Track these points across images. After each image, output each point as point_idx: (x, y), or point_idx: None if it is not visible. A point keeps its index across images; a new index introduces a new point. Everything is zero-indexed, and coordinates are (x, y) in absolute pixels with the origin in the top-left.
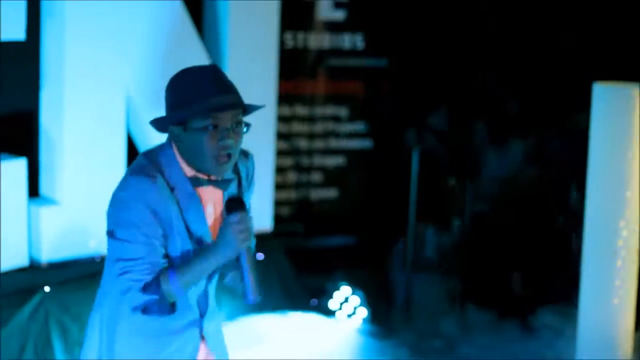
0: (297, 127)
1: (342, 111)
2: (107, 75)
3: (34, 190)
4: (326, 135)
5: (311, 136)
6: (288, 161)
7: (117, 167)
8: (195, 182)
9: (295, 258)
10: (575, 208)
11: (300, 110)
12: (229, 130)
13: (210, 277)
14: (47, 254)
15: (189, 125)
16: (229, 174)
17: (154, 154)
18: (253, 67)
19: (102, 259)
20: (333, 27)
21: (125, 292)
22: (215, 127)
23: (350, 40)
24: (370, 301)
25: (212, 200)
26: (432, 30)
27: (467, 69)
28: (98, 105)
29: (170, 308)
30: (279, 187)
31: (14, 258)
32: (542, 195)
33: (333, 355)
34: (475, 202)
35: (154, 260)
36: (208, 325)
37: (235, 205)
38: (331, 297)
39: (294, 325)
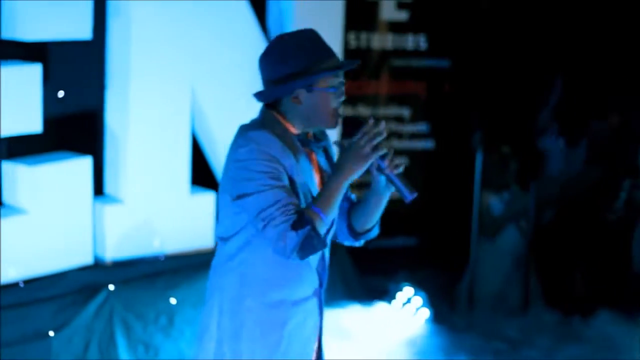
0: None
1: (405, 112)
2: (172, 74)
3: (98, 189)
4: (388, 135)
5: None
6: None
7: (181, 166)
8: (301, 142)
9: (357, 259)
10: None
11: (363, 110)
12: (343, 89)
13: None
14: (112, 253)
15: (315, 85)
16: (322, 140)
17: (259, 120)
18: None
19: (166, 257)
20: (396, 27)
21: (277, 240)
22: (335, 86)
23: (414, 41)
24: (432, 302)
25: (313, 160)
26: (494, 31)
27: (529, 70)
28: (163, 104)
29: (325, 240)
30: None
31: (79, 256)
32: (604, 195)
33: (396, 355)
34: (539, 203)
35: (292, 201)
36: (323, 298)
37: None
38: (394, 298)
39: (359, 321)
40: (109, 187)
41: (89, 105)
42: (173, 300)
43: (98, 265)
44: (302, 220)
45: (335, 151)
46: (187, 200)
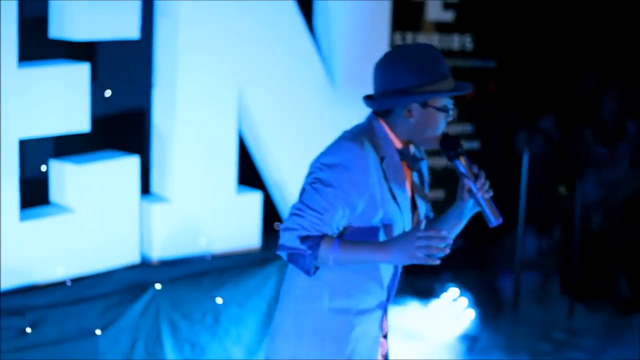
0: None
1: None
2: (219, 73)
3: (145, 188)
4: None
5: None
6: None
7: (228, 166)
8: (402, 156)
9: None
10: None
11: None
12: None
13: None
14: (158, 252)
15: (430, 103)
16: (420, 158)
17: (363, 127)
18: (364, 68)
19: (213, 257)
20: (442, 28)
21: (287, 229)
22: (449, 107)
23: (460, 41)
24: (478, 303)
25: (409, 176)
26: (540, 32)
27: (575, 71)
28: (210, 103)
29: (313, 271)
30: None
31: (126, 255)
32: None
33: (439, 356)
34: (584, 205)
35: (326, 221)
36: (388, 310)
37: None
38: (439, 298)
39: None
40: (155, 186)
41: (136, 104)
42: (219, 300)
43: (145, 264)
44: (314, 241)
45: (426, 172)
46: (234, 199)
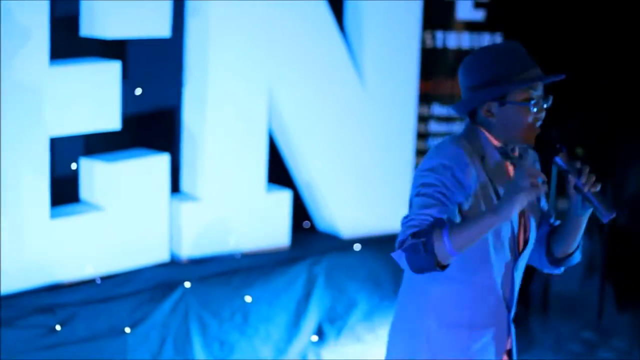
0: (434, 127)
1: None
2: (249, 72)
3: (175, 186)
4: None
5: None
6: None
7: (258, 165)
8: (503, 154)
9: None
10: None
11: (438, 110)
12: (542, 102)
13: (515, 265)
14: (188, 250)
15: (508, 98)
16: (526, 153)
17: (461, 132)
18: (394, 66)
19: (242, 256)
20: (473, 26)
21: (401, 241)
22: (532, 99)
23: (490, 41)
24: None
25: (512, 175)
26: (571, 32)
27: (605, 67)
28: (240, 102)
29: (433, 263)
30: None
31: (155, 253)
32: None
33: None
34: (615, 205)
35: (435, 215)
36: (512, 323)
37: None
38: None
39: None
40: (185, 184)
41: (166, 102)
42: (248, 298)
43: (174, 263)
44: (424, 231)
45: (535, 163)
46: (263, 198)
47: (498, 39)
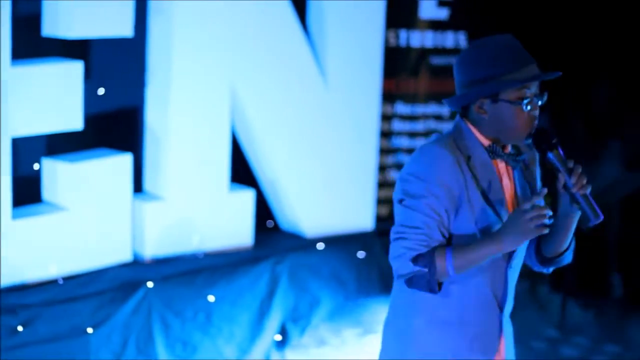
0: (398, 125)
1: (444, 110)
2: (213, 72)
3: (138, 186)
4: (428, 133)
5: (413, 135)
6: (389, 160)
7: (221, 164)
8: (491, 153)
9: None
10: None
11: (402, 108)
12: (536, 101)
13: (509, 264)
14: (151, 250)
15: (500, 96)
16: (521, 154)
17: (448, 130)
18: (357, 65)
19: (205, 255)
20: (436, 25)
21: (396, 257)
22: (526, 97)
23: (454, 39)
24: None
25: (507, 174)
26: (533, 30)
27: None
28: (203, 102)
29: (438, 287)
30: (380, 185)
31: (118, 253)
32: None
33: None
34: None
35: (432, 234)
36: (506, 323)
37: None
38: None
39: None
40: (148, 184)
41: (129, 102)
42: (211, 298)
43: (137, 263)
44: (426, 257)
45: (534, 161)
46: (226, 197)
47: (462, 37)
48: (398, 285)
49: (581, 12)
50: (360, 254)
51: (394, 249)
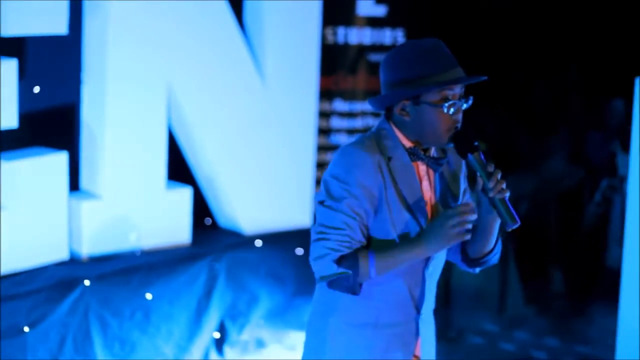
0: (336, 122)
1: None
2: (149, 70)
3: (74, 184)
4: (366, 131)
5: (351, 132)
6: (328, 157)
7: (158, 162)
8: (412, 155)
9: None
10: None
11: (341, 105)
12: (459, 104)
13: (426, 266)
14: (88, 248)
15: (422, 99)
16: (443, 157)
17: (371, 131)
18: (294, 63)
19: (142, 253)
20: (374, 22)
21: (318, 258)
22: (448, 100)
23: (391, 36)
24: None
25: (428, 177)
26: (473, 27)
27: (505, 65)
28: (139, 99)
29: (359, 289)
30: (319, 182)
31: (54, 252)
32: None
33: None
34: (515, 198)
35: (354, 235)
36: (424, 324)
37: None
38: None
39: None
40: (85, 182)
41: (65, 100)
42: (149, 296)
43: (74, 261)
44: (350, 259)
45: (460, 166)
46: (163, 195)
47: (399, 34)
48: (319, 286)
49: (520, 10)
50: (299, 251)
51: (316, 249)
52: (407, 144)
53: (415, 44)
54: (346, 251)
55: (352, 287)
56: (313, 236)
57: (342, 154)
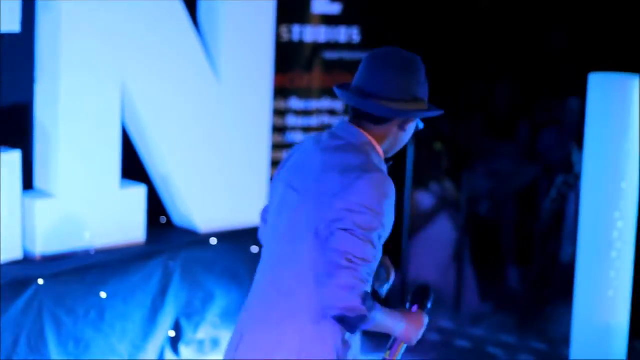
0: (292, 120)
1: (338, 105)
2: (103, 68)
3: (28, 183)
4: (322, 128)
5: (306, 130)
6: (284, 155)
7: (112, 160)
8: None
9: None
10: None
11: (296, 103)
12: None
13: None
14: (42, 247)
15: (412, 121)
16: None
17: (361, 144)
18: (249, 61)
19: (96, 251)
20: (329, 20)
21: (347, 289)
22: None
23: (346, 34)
24: None
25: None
26: (427, 24)
27: (461, 61)
28: (93, 98)
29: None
30: None
31: (8, 251)
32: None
33: None
34: (472, 196)
35: (373, 271)
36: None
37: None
38: None
39: None
40: (38, 181)
41: (18, 98)
42: (103, 295)
43: (27, 260)
44: (369, 301)
45: None
46: (118, 193)
47: (355, 32)
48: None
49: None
50: (254, 249)
51: (345, 278)
52: (382, 156)
53: (421, 62)
54: (368, 284)
55: (357, 326)
56: (339, 262)
57: (372, 185)
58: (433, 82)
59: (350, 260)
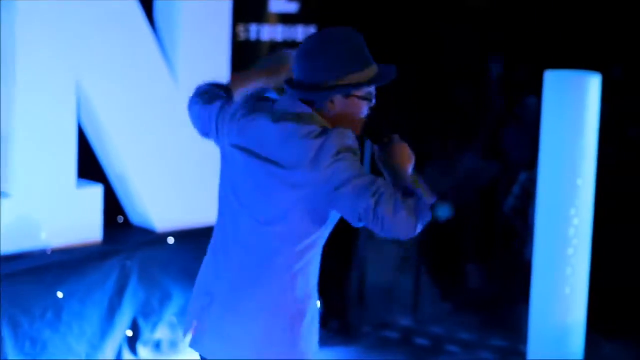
0: None
1: None
2: (58, 68)
3: None
4: None
5: None
6: None
7: (68, 160)
8: None
9: None
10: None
11: None
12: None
13: None
14: None
15: (352, 92)
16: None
17: (308, 115)
18: (206, 60)
19: (53, 251)
20: (287, 19)
21: (398, 220)
22: (372, 94)
23: (304, 33)
24: (322, 293)
25: None
26: (385, 22)
27: (420, 62)
28: (48, 97)
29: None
30: None
31: None
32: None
33: None
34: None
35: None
36: None
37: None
38: None
39: None
40: None
41: None
42: (60, 295)
43: None
44: (408, 191)
45: None
46: (74, 193)
47: (312, 31)
48: (294, 269)
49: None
50: None
51: (387, 213)
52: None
53: (346, 39)
54: (398, 193)
55: (430, 213)
56: (369, 204)
57: (340, 133)
58: (393, 79)
59: (374, 194)
